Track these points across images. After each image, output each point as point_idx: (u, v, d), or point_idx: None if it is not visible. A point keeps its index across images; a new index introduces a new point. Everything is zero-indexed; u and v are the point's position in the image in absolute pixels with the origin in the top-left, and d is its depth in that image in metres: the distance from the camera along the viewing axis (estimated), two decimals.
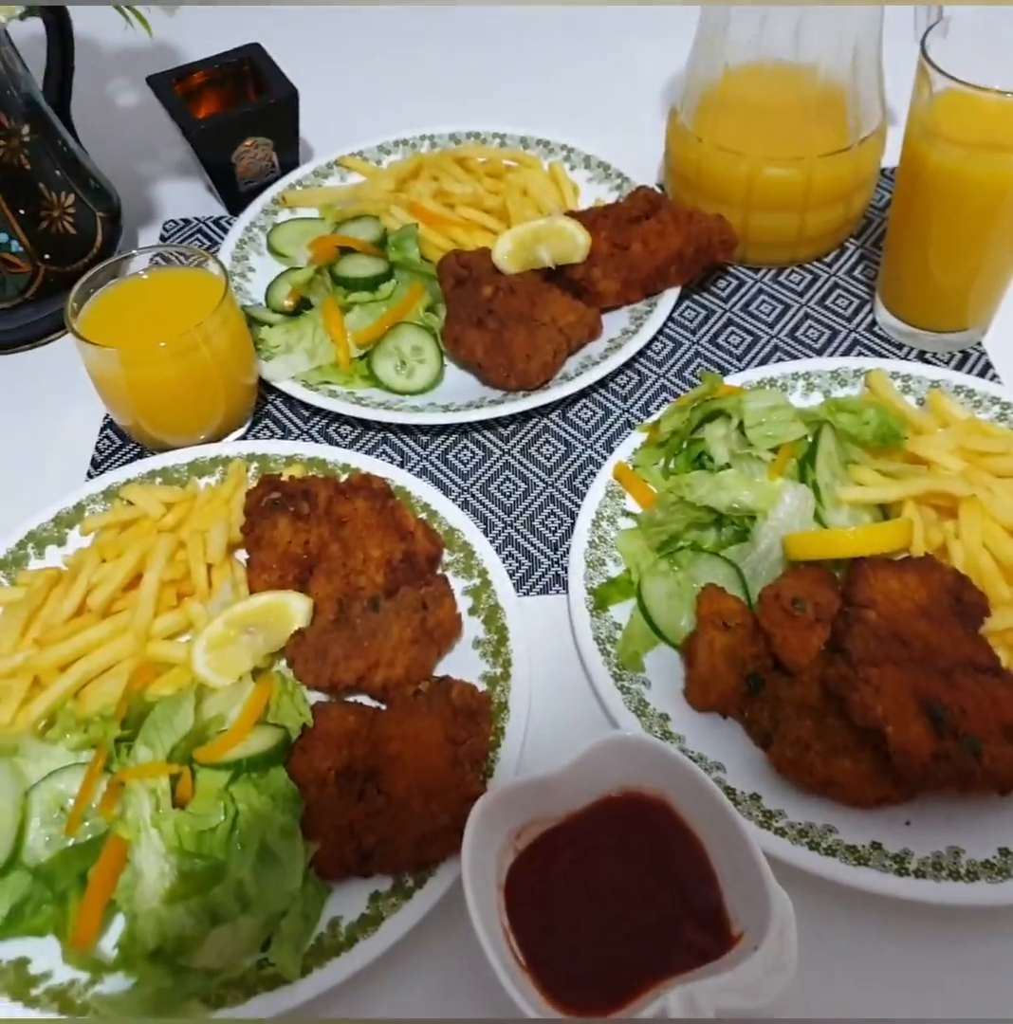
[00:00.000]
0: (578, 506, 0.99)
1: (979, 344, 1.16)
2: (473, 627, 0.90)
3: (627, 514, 0.98)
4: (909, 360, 1.14)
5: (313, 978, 0.69)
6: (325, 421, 1.14)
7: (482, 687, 0.84)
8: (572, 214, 1.21)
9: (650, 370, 1.17)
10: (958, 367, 1.14)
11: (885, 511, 0.93)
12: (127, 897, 0.70)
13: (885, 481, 0.93)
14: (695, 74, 1.19)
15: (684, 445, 1.01)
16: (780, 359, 1.16)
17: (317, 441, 1.11)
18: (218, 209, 1.40)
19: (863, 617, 0.79)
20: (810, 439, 0.95)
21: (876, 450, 0.96)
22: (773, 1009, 0.63)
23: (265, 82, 1.32)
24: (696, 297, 1.24)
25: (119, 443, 1.12)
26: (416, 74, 1.60)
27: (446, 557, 0.96)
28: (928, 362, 1.13)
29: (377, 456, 1.08)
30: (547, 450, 1.10)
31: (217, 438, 1.07)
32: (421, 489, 1.00)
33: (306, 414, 1.14)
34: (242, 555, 0.95)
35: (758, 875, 0.65)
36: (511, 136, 1.40)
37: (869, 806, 0.76)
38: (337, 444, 1.10)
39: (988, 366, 1.14)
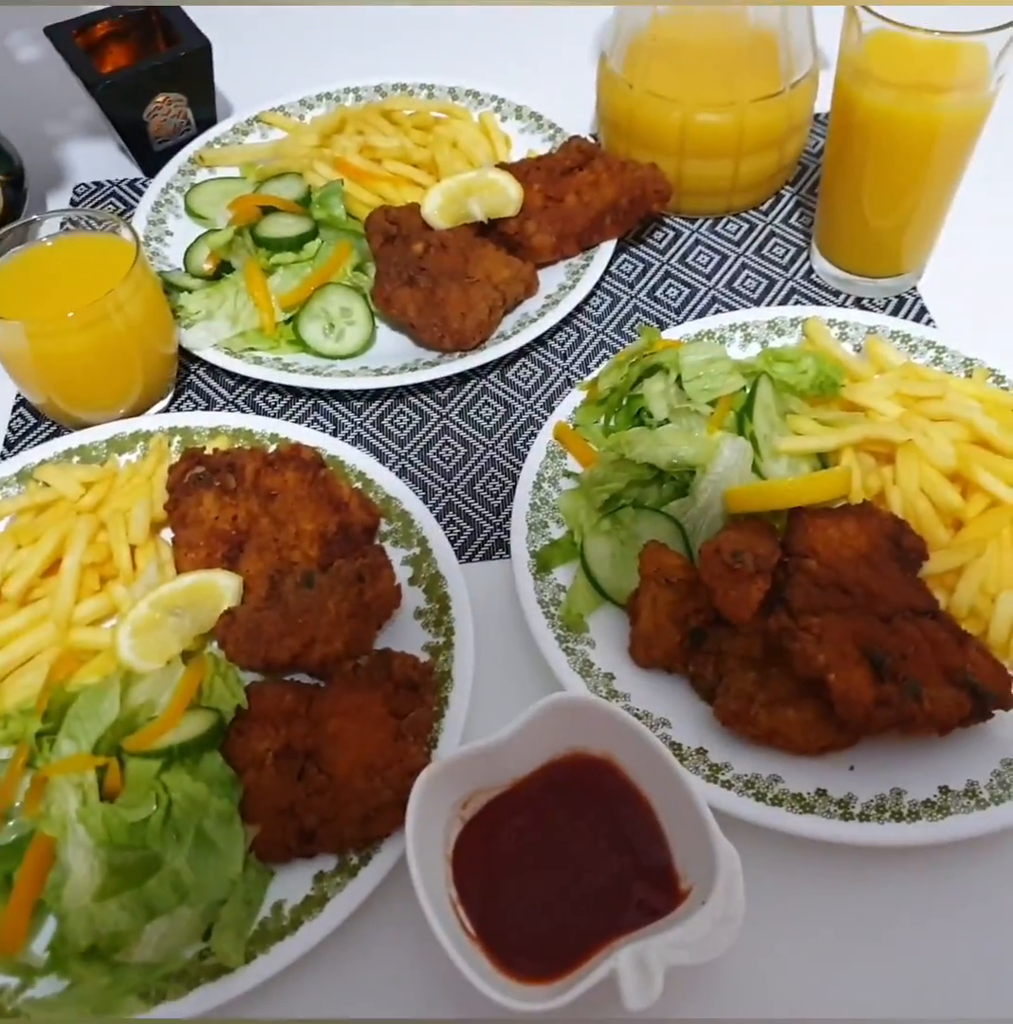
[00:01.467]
0: (520, 468, 0.97)
1: (914, 289, 1.16)
2: (414, 597, 0.88)
3: (569, 474, 0.96)
4: (846, 307, 1.14)
5: (257, 965, 0.67)
6: (251, 390, 1.09)
7: (425, 657, 0.82)
8: (504, 166, 1.17)
9: (589, 326, 1.14)
10: (894, 312, 1.13)
11: (824, 460, 0.93)
12: (56, 896, 0.68)
13: (822, 430, 0.93)
14: (624, 18, 1.15)
15: (623, 402, 0.99)
16: (718, 310, 1.14)
17: (244, 411, 1.06)
18: (132, 170, 1.33)
19: (803, 567, 0.78)
20: (747, 391, 0.94)
21: (814, 399, 0.96)
22: (723, 961, 0.64)
23: (175, 33, 1.25)
24: (633, 250, 1.21)
25: (33, 422, 1.07)
26: (338, 23, 1.53)
27: (384, 527, 0.93)
28: (865, 308, 1.13)
29: (308, 425, 1.04)
30: (486, 412, 1.07)
31: (137, 412, 1.02)
32: (355, 458, 0.97)
33: (231, 383, 1.10)
34: (168, 535, 0.91)
35: (704, 830, 0.65)
36: (439, 87, 1.35)
37: (814, 754, 0.76)
38: (265, 414, 1.06)
39: (923, 311, 1.14)
